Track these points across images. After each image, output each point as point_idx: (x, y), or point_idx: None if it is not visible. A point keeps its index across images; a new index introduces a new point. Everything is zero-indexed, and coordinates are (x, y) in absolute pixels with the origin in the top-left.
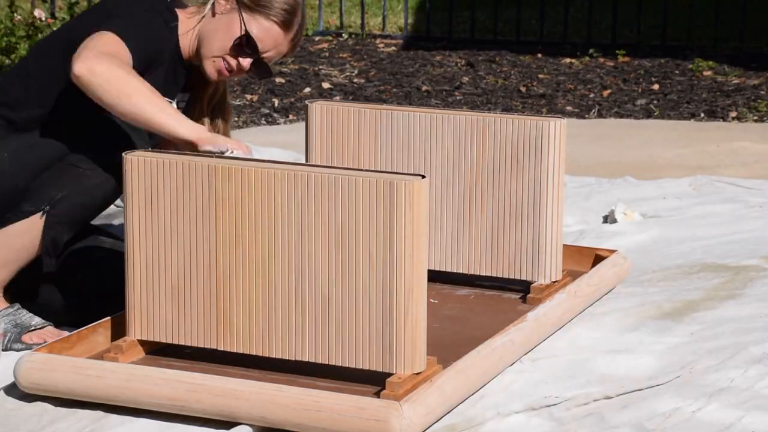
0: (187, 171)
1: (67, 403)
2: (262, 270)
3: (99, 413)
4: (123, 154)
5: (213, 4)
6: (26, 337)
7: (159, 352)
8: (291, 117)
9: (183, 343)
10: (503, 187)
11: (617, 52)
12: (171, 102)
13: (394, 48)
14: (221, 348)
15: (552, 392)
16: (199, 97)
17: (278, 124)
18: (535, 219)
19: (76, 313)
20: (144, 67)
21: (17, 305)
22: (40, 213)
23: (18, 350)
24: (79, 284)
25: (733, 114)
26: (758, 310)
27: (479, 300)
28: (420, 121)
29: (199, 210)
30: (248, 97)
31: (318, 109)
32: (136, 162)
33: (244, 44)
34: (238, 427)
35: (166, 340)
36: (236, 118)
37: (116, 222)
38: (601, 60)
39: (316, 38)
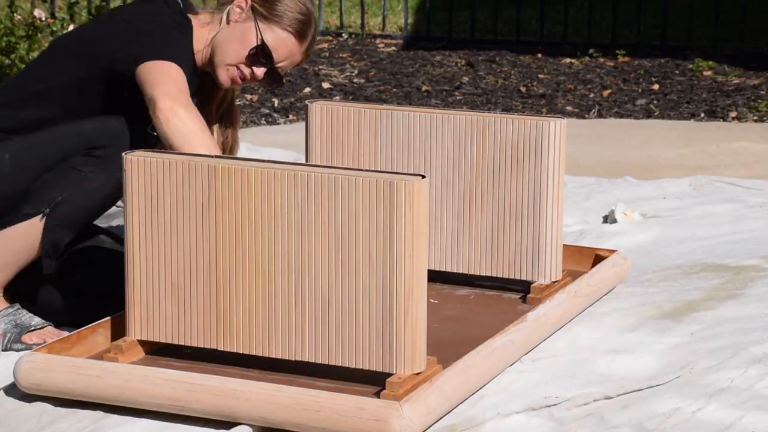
0: (187, 171)
1: (67, 404)
2: (262, 270)
3: (99, 413)
4: (123, 154)
5: (228, 12)
6: (26, 338)
7: (159, 352)
8: (291, 117)
9: (183, 343)
10: (503, 187)
11: (617, 52)
12: None
13: (394, 48)
14: (221, 348)
15: (552, 392)
16: (209, 102)
17: (278, 124)
18: (535, 219)
19: (76, 313)
20: None
21: (17, 305)
22: (41, 215)
23: (18, 350)
24: (79, 284)
25: (733, 114)
26: (758, 310)
27: (479, 300)
28: (420, 121)
29: (199, 210)
30: (248, 97)
31: (318, 109)
32: (136, 162)
33: (260, 54)
34: (238, 427)
35: (166, 340)
36: None
37: (116, 222)
38: (601, 60)
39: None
